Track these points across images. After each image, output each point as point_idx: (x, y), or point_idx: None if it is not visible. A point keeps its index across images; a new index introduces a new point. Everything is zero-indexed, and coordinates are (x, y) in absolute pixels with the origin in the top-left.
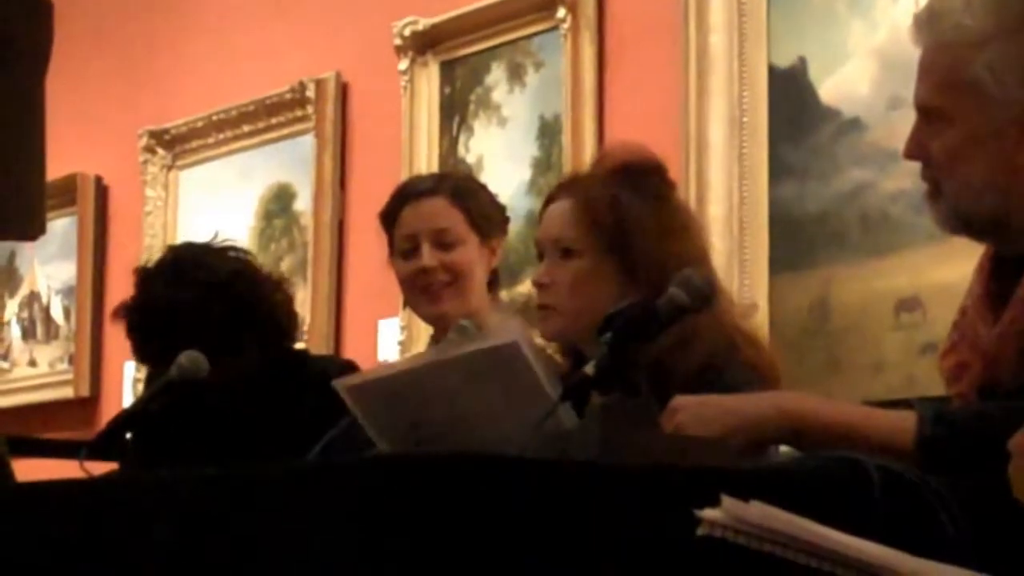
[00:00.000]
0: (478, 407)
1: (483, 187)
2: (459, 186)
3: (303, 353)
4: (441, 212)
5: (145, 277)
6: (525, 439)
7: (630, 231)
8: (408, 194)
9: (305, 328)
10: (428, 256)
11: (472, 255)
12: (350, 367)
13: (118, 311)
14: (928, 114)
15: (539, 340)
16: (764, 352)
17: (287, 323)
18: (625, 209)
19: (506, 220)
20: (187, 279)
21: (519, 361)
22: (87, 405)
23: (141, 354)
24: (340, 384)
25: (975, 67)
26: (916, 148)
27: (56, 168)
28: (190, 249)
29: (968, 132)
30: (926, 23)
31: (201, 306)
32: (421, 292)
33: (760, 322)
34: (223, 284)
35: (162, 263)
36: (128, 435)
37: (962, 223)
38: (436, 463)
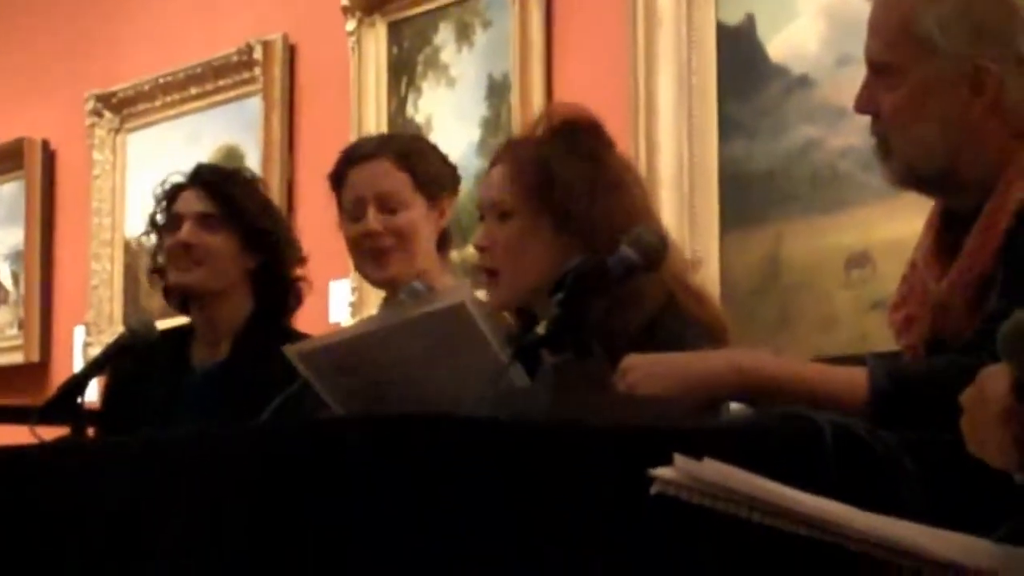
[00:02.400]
0: (430, 369)
1: (432, 147)
2: (405, 147)
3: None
4: (386, 174)
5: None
6: (477, 399)
7: (560, 190)
8: (353, 156)
9: None
10: (373, 219)
11: (418, 217)
12: None
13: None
14: (879, 69)
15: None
16: (709, 307)
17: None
18: (555, 169)
19: (456, 180)
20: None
21: (467, 322)
22: (37, 370)
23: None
24: (291, 351)
25: (926, 22)
26: (867, 102)
27: (2, 132)
28: None
29: (918, 87)
30: None
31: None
32: (368, 255)
33: (711, 280)
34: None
35: None
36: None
37: (912, 178)
38: (386, 424)
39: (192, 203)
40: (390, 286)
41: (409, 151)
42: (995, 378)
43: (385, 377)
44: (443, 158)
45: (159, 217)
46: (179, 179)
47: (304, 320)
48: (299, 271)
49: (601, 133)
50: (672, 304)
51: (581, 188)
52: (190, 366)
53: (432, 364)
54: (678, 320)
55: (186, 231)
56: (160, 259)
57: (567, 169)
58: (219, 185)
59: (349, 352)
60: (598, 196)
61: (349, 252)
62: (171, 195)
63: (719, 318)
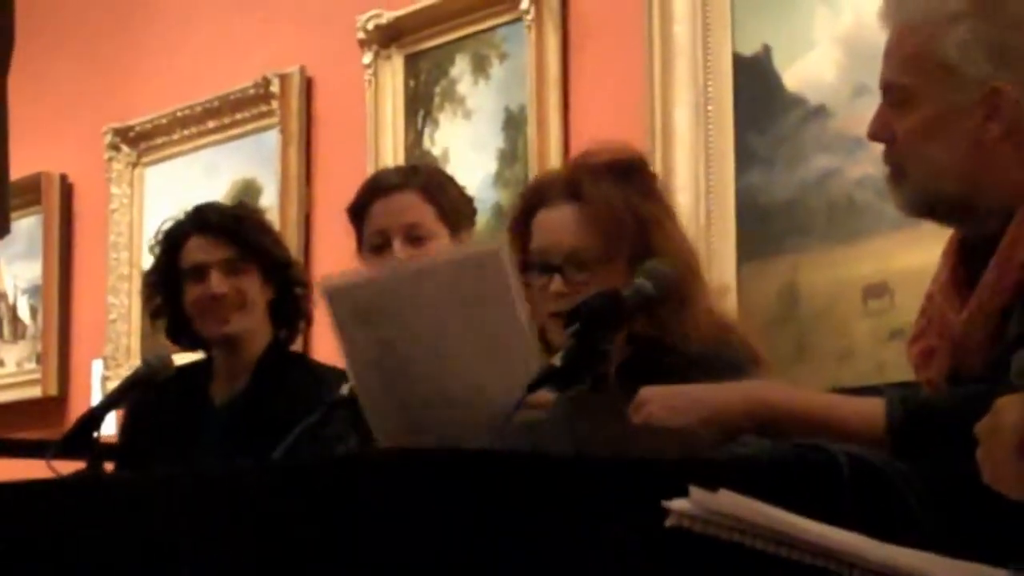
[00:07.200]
0: (453, 322)
1: (451, 180)
2: (430, 180)
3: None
4: (412, 207)
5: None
6: (493, 431)
7: (651, 233)
8: (378, 188)
9: None
10: (400, 251)
11: (443, 248)
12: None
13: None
14: (894, 94)
15: None
16: (744, 335)
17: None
18: (640, 211)
19: (474, 212)
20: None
21: (498, 271)
22: (55, 404)
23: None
24: (322, 285)
25: (945, 45)
26: (880, 128)
27: (20, 167)
28: None
29: (935, 111)
30: (896, 2)
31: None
32: None
33: (729, 310)
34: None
35: None
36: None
37: (926, 205)
38: (403, 461)
39: (213, 251)
40: None
41: (434, 184)
42: (1011, 408)
43: (406, 333)
44: (461, 191)
45: (163, 258)
46: (183, 222)
47: (318, 353)
48: (302, 290)
49: (649, 167)
50: (727, 330)
51: (665, 229)
52: (209, 400)
53: (455, 315)
54: (731, 346)
55: (216, 282)
56: (157, 299)
57: (649, 210)
58: (233, 227)
59: (377, 294)
60: (673, 231)
61: None
62: (177, 240)
63: (757, 346)
